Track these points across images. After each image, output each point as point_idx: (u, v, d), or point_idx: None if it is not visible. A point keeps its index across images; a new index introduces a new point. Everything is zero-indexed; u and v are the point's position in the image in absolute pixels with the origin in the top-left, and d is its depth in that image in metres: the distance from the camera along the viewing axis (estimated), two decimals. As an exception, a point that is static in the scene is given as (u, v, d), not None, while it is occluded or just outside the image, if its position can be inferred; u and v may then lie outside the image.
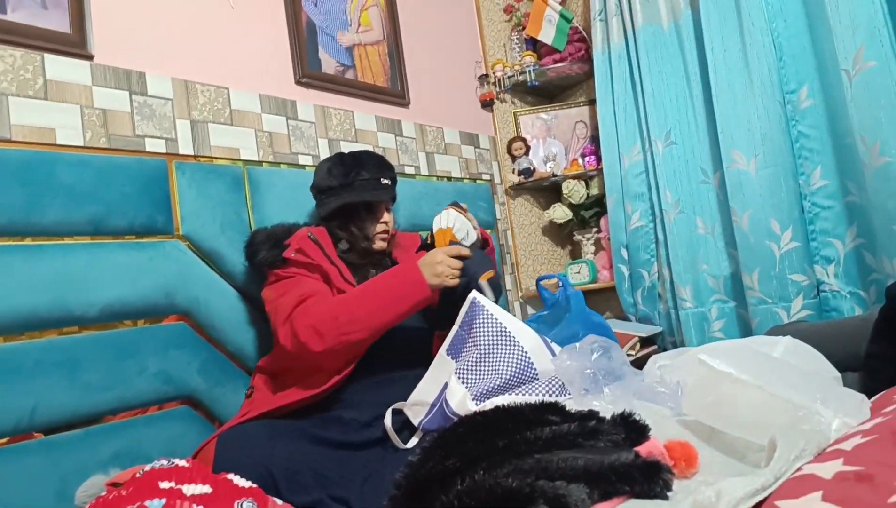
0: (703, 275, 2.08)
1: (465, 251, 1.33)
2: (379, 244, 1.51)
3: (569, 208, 2.60)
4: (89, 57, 1.45)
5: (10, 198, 1.21)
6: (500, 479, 0.67)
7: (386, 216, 1.52)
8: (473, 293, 1.25)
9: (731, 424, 0.82)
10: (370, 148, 2.01)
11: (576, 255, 2.77)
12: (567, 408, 0.89)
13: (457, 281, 1.28)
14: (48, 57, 1.38)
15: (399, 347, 1.34)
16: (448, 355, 1.22)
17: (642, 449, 0.75)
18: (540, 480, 0.65)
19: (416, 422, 1.14)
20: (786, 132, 1.84)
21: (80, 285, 1.27)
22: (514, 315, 2.46)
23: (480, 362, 1.14)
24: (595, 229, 2.64)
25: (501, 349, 1.14)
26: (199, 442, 1.32)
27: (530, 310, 2.56)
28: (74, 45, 1.42)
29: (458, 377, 1.12)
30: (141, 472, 0.88)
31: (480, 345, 1.16)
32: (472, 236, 1.47)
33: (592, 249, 2.66)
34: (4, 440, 1.14)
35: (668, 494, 0.69)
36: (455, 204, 1.53)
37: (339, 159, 1.53)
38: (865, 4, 1.59)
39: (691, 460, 0.77)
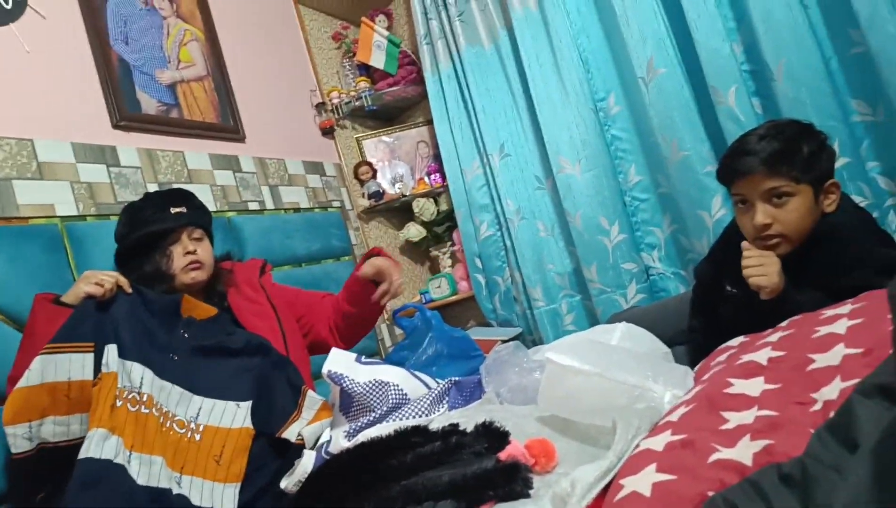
0: (551, 274, 2.23)
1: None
2: (187, 277, 1.34)
3: (422, 225, 2.66)
4: None
5: None
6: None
7: (191, 245, 1.35)
8: (326, 368, 1.17)
9: (581, 413, 0.88)
10: (193, 187, 1.92)
11: (435, 270, 2.84)
12: (430, 428, 0.90)
13: (95, 288, 1.11)
14: None
15: None
16: (340, 411, 1.19)
17: (504, 454, 0.79)
18: (408, 506, 0.66)
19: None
20: (601, 136, 2.03)
21: None
22: (383, 339, 2.47)
23: (360, 411, 1.14)
24: (450, 243, 2.72)
25: (374, 391, 1.14)
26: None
27: (397, 331, 2.57)
28: None
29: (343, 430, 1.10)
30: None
31: (356, 400, 1.16)
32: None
33: (450, 262, 2.74)
34: None
35: (530, 492, 0.73)
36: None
37: (125, 208, 1.40)
38: (650, 19, 1.81)
39: (550, 454, 0.82)
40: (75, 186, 1.60)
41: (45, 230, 1.47)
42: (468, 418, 0.98)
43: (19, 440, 0.99)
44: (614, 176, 2.03)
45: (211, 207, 1.89)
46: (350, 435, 1.06)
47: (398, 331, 2.57)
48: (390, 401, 1.10)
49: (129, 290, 1.18)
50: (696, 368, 1.00)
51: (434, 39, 2.45)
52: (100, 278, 1.14)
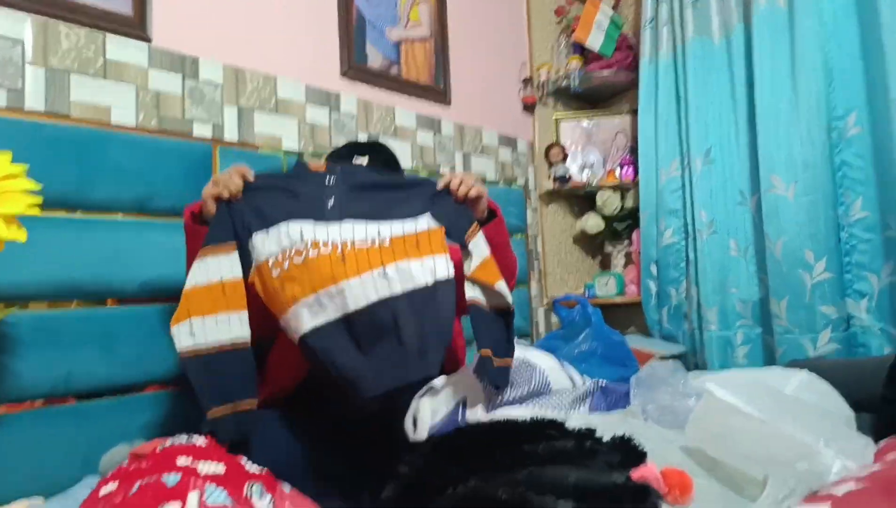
0: (732, 298, 2.05)
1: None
2: None
3: (602, 218, 2.59)
4: (147, 40, 1.52)
5: (65, 173, 1.29)
6: (491, 489, 0.69)
7: None
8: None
9: (732, 455, 0.82)
10: (396, 142, 2.05)
11: (605, 266, 2.76)
12: (567, 425, 0.90)
13: (218, 191, 1.11)
14: (109, 37, 1.45)
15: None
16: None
17: (636, 474, 0.77)
18: (529, 492, 0.68)
19: (427, 424, 1.14)
20: (829, 160, 1.80)
21: (123, 260, 1.35)
22: (538, 323, 2.48)
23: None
24: (627, 242, 2.62)
25: (520, 370, 1.14)
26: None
27: (553, 319, 2.57)
28: (134, 27, 1.49)
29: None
30: (161, 447, 0.94)
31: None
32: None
33: (622, 261, 2.64)
34: (40, 401, 1.22)
35: (657, 520, 0.71)
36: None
37: (330, 154, 1.48)
38: (923, 36, 1.54)
39: (686, 489, 0.78)
40: (301, 125, 1.80)
41: (270, 159, 1.69)
42: (608, 426, 0.97)
43: (183, 336, 1.03)
44: (833, 207, 1.80)
45: (407, 164, 2.04)
46: (491, 408, 1.10)
47: (554, 320, 2.57)
48: (533, 384, 1.12)
49: (252, 179, 1.15)
50: (880, 444, 0.88)
51: (660, 25, 2.32)
52: (219, 179, 1.14)
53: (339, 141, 1.86)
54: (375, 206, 1.17)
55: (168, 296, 1.42)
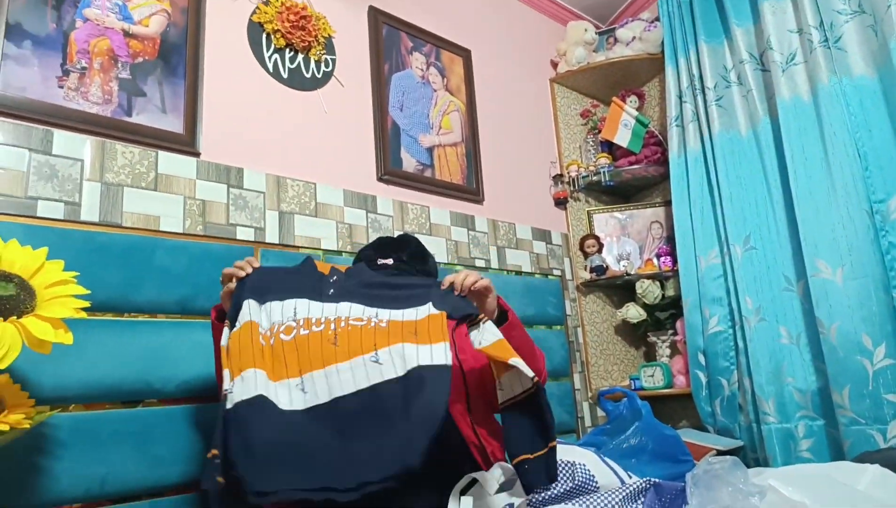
0: (789, 388, 1.94)
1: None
2: None
3: (643, 308, 2.53)
4: (196, 154, 1.63)
5: (112, 277, 1.35)
6: None
7: None
8: None
9: (805, 562, 0.75)
10: (431, 239, 2.09)
11: (650, 357, 2.67)
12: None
13: (235, 270, 1.14)
14: (161, 154, 1.56)
15: None
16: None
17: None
18: None
19: None
20: (875, 242, 1.75)
21: (163, 360, 1.38)
22: (583, 417, 2.38)
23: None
24: (671, 332, 2.54)
25: (561, 472, 1.08)
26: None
27: (599, 413, 2.46)
28: (185, 143, 1.61)
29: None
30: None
31: None
32: None
33: (668, 352, 2.55)
34: (77, 505, 1.20)
35: None
36: None
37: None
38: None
39: None
40: (339, 226, 1.86)
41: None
42: (665, 528, 0.90)
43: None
44: (887, 290, 1.72)
45: (442, 258, 2.06)
46: (533, 506, 1.04)
47: (600, 413, 2.46)
48: (576, 480, 1.07)
49: (257, 265, 1.18)
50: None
51: (685, 122, 2.38)
52: (235, 265, 1.17)
53: (376, 240, 1.91)
54: (376, 296, 1.12)
55: (204, 396, 1.43)
